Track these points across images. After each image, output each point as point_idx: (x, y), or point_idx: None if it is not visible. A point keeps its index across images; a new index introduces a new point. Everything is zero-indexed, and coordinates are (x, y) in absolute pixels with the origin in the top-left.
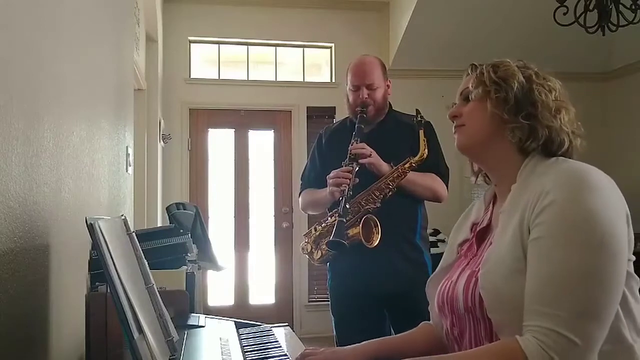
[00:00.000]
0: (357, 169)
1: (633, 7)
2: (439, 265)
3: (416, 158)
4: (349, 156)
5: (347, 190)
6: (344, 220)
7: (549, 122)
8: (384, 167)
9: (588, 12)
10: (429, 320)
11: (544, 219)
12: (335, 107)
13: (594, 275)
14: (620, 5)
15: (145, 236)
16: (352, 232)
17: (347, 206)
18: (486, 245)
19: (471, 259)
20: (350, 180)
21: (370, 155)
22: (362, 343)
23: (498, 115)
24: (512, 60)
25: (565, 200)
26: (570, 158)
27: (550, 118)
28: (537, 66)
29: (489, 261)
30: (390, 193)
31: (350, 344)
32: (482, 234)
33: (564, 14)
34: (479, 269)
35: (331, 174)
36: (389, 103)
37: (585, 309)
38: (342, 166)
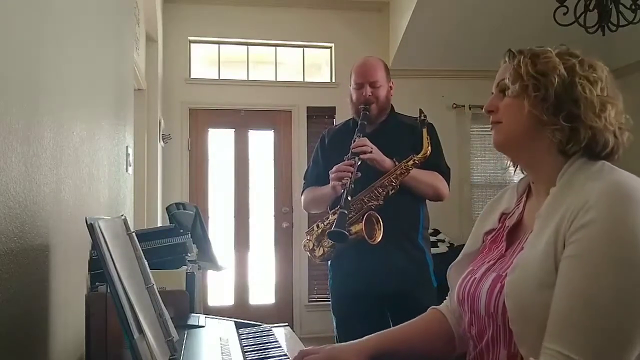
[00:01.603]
0: (360, 163)
1: (633, 7)
2: (462, 252)
3: (419, 155)
4: (351, 151)
5: (349, 183)
6: (346, 211)
7: (592, 122)
8: (387, 162)
9: (588, 12)
10: None
11: (582, 236)
12: (335, 107)
13: (626, 303)
14: (620, 5)
15: (145, 236)
16: (354, 229)
17: (349, 198)
18: (517, 248)
19: (498, 259)
20: (352, 173)
21: (372, 151)
22: (361, 339)
23: (536, 116)
24: (554, 47)
25: (607, 219)
26: (615, 155)
27: (593, 118)
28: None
29: (517, 268)
30: (393, 190)
31: None
32: (512, 233)
33: (564, 14)
34: (506, 273)
35: (333, 169)
36: (392, 105)
37: (610, 339)
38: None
